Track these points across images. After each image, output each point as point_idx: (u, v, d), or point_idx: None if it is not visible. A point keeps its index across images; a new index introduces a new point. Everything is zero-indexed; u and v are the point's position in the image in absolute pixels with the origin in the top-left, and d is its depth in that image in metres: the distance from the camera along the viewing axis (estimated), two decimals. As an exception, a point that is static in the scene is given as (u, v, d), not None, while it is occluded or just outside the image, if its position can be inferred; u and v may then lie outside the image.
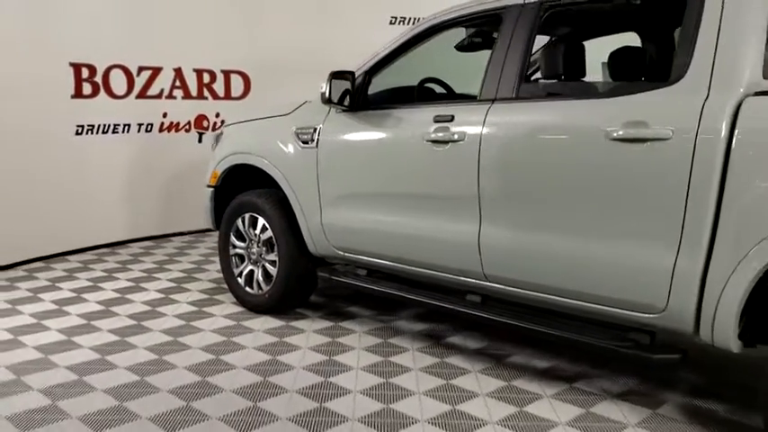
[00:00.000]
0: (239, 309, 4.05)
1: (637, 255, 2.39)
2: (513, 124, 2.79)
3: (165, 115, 6.02)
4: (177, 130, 6.10)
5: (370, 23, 6.46)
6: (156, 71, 5.90)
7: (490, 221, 2.86)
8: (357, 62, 6.23)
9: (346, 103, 3.45)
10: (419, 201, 3.16)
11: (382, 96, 3.64)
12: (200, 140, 6.22)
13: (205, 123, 6.24)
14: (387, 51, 3.53)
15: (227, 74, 6.27)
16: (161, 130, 6.02)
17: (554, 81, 2.97)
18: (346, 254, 3.57)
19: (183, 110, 6.09)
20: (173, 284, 4.65)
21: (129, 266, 5.13)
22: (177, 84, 6.04)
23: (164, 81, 5.96)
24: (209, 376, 3.04)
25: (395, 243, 3.29)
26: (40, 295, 4.34)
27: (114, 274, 4.88)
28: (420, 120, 3.17)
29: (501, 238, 2.82)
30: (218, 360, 3.25)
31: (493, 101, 2.89)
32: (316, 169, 3.58)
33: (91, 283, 4.64)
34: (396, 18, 6.57)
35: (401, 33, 3.54)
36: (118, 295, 4.36)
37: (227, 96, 6.31)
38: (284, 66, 6.32)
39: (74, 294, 4.37)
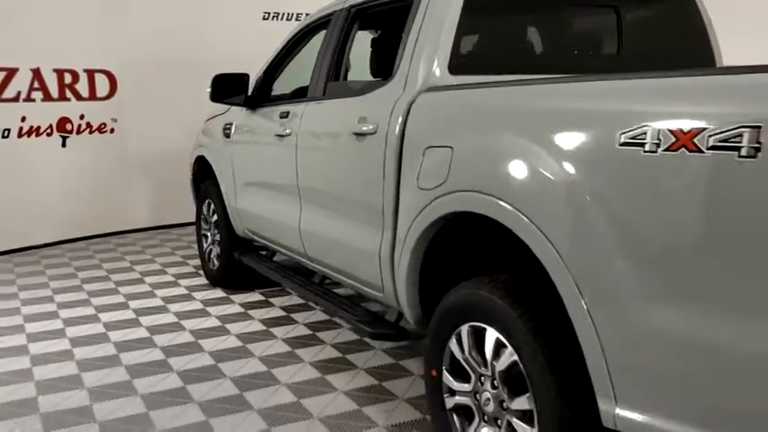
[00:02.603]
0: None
1: (362, 239, 2.76)
2: (312, 122, 3.26)
3: (23, 119, 5.86)
4: (38, 135, 5.96)
5: (242, 19, 6.58)
6: (12, 72, 5.74)
7: (305, 208, 3.33)
8: (228, 58, 6.33)
9: (237, 101, 3.93)
10: (273, 188, 3.69)
11: (292, 94, 4.02)
12: (63, 144, 6.11)
13: (69, 126, 6.13)
14: (276, 52, 4.02)
15: (90, 73, 6.18)
16: (20, 135, 5.87)
17: (341, 81, 3.34)
18: (253, 235, 4.10)
19: (44, 113, 5.96)
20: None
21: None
22: (36, 85, 5.90)
23: (20, 83, 5.80)
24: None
25: (267, 226, 3.84)
26: None
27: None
28: (275, 115, 3.62)
29: (308, 223, 3.30)
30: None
31: (310, 99, 3.35)
32: (231, 160, 4.18)
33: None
34: (269, 13, 6.73)
35: (287, 34, 3.89)
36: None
37: (92, 97, 6.22)
38: (153, 64, 6.32)
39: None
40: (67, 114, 6.10)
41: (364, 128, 2.69)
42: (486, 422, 2.08)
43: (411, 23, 2.68)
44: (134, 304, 4.39)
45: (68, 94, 6.10)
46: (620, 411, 1.61)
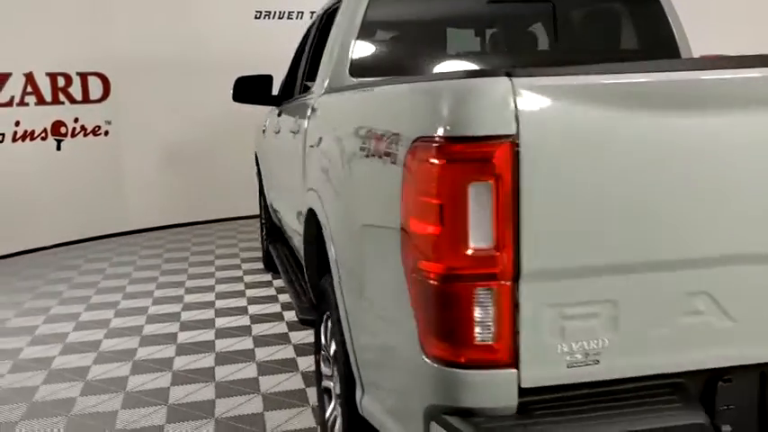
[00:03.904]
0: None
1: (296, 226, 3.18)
2: (282, 121, 3.62)
3: (17, 124, 6.00)
4: (33, 139, 6.09)
5: (235, 18, 6.74)
6: (5, 77, 5.87)
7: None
8: (221, 58, 6.47)
9: (256, 100, 4.10)
10: (276, 178, 4.10)
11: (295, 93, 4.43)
12: (58, 148, 6.24)
13: (63, 130, 6.27)
14: (297, 49, 4.30)
15: (83, 76, 6.32)
16: (14, 139, 6.00)
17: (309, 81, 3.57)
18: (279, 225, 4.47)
19: (38, 117, 6.09)
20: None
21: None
22: (29, 90, 6.03)
23: (13, 87, 5.93)
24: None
25: (279, 216, 4.16)
26: None
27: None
28: (277, 113, 3.95)
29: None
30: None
31: (294, 99, 3.60)
32: (264, 155, 4.76)
33: None
34: (261, 12, 6.88)
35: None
36: None
37: (86, 100, 6.36)
38: (146, 65, 6.46)
39: None
40: (61, 118, 6.24)
41: (295, 126, 3.02)
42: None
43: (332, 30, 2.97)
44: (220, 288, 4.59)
45: (62, 97, 6.24)
46: (362, 400, 1.89)
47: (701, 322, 1.41)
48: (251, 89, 4.01)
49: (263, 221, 5.20)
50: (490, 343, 1.36)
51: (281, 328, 3.99)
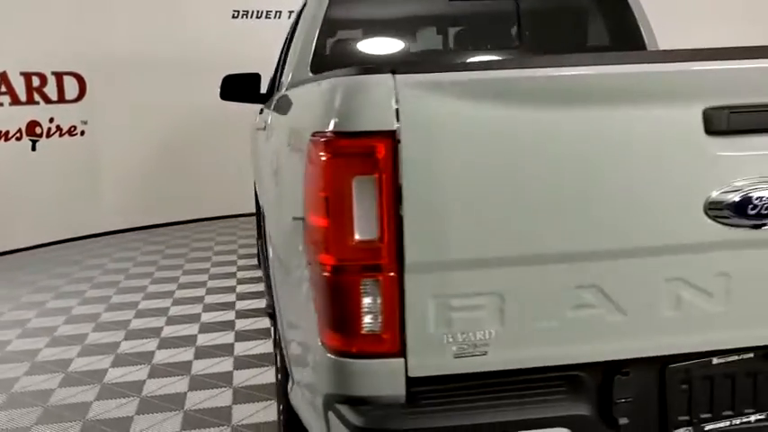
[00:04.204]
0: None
1: None
2: (261, 118, 3.66)
3: (-9, 124, 6.06)
4: (7, 139, 6.15)
5: (212, 17, 6.80)
6: (-23, 77, 5.95)
7: None
8: (198, 57, 6.53)
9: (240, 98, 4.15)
10: (256, 174, 4.07)
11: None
12: (33, 148, 6.30)
13: (38, 130, 6.32)
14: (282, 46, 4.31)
15: (59, 76, 6.38)
16: (-11, 140, 6.06)
17: None
18: None
19: (13, 117, 6.15)
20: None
21: None
22: (3, 89, 6.09)
23: (-13, 87, 6.00)
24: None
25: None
26: None
27: None
28: (260, 110, 4.02)
29: None
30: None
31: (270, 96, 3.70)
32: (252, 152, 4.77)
33: None
34: (238, 12, 6.94)
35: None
36: None
37: (61, 100, 6.42)
38: (122, 65, 6.52)
39: None
40: (36, 118, 6.30)
41: (262, 123, 3.09)
42: None
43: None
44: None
45: (37, 97, 6.29)
46: (291, 392, 1.94)
47: (592, 315, 1.45)
48: (238, 87, 4.06)
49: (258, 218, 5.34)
50: (377, 333, 1.41)
51: (264, 323, 4.07)
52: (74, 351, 3.84)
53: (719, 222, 1.42)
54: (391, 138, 1.34)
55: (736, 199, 1.40)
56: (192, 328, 4.08)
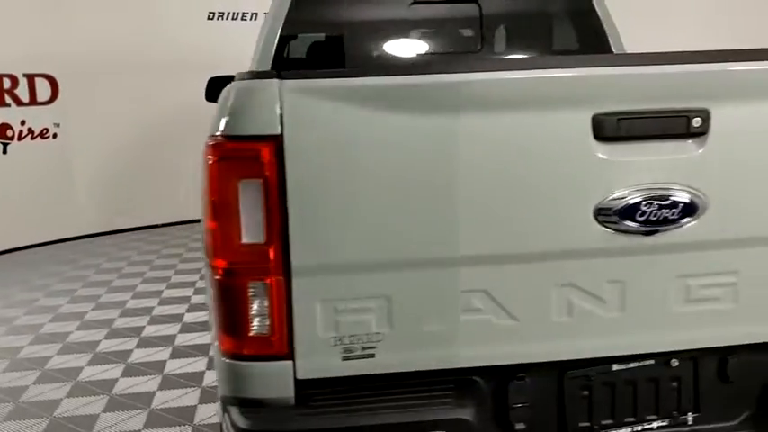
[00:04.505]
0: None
1: None
2: None
3: (-38, 126, 6.09)
4: (-22, 142, 6.19)
5: (187, 18, 6.83)
6: (-54, 78, 5.98)
7: None
8: (173, 59, 6.50)
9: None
10: None
11: None
12: (4, 151, 6.32)
13: (9, 133, 6.34)
14: None
15: (30, 78, 6.40)
16: (-42, 142, 6.09)
17: None
18: None
19: (-17, 119, 6.18)
20: None
21: None
22: (-27, 91, 6.12)
23: (-44, 89, 6.04)
24: None
25: None
26: None
27: None
28: None
29: None
30: None
31: None
32: None
33: None
34: (214, 13, 6.98)
35: None
36: None
37: (33, 102, 6.44)
38: (95, 66, 6.54)
39: None
40: (7, 120, 6.32)
41: None
42: None
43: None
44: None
45: (8, 99, 6.31)
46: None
47: (481, 319, 1.48)
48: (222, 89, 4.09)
49: None
50: (266, 335, 1.44)
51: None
52: (54, 349, 3.97)
53: (609, 229, 1.44)
54: (275, 142, 1.37)
55: (625, 205, 1.43)
56: (173, 328, 4.17)
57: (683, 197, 1.44)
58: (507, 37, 4.03)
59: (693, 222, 1.46)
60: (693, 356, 1.61)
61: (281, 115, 1.36)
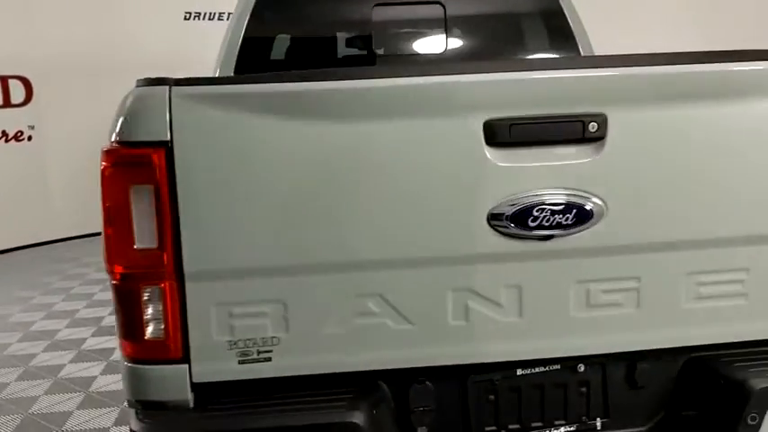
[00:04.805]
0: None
1: None
2: None
3: (-66, 128, 6.14)
4: (-49, 144, 6.23)
5: (163, 19, 6.88)
6: None
7: None
8: (150, 60, 6.58)
9: None
10: None
11: None
12: (-22, 153, 6.38)
13: (-18, 135, 6.41)
14: None
15: (4, 79, 6.45)
16: (-69, 144, 6.14)
17: None
18: None
19: (-44, 121, 6.23)
20: None
21: None
22: (-54, 93, 6.18)
23: (-70, 91, 6.09)
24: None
25: None
26: None
27: None
28: None
29: None
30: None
31: None
32: None
33: None
34: (190, 13, 7.02)
35: None
36: None
37: (6, 104, 6.49)
38: (70, 68, 6.59)
39: None
40: (-19, 122, 6.37)
41: None
42: None
43: None
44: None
45: (-19, 101, 6.37)
46: None
47: (377, 324, 1.50)
48: None
49: None
50: (161, 339, 1.47)
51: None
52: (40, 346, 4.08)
53: (503, 234, 1.47)
54: (165, 148, 1.40)
55: (517, 211, 1.45)
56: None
57: (578, 202, 1.46)
58: (473, 39, 4.07)
59: (592, 228, 1.48)
60: (601, 362, 1.64)
61: (171, 122, 1.39)
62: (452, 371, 1.58)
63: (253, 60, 3.46)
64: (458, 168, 1.46)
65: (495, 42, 3.93)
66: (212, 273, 1.45)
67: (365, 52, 3.98)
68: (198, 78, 1.45)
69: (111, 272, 1.50)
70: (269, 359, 1.49)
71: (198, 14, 7.05)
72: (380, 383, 1.59)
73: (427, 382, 1.59)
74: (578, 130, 1.46)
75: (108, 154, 1.44)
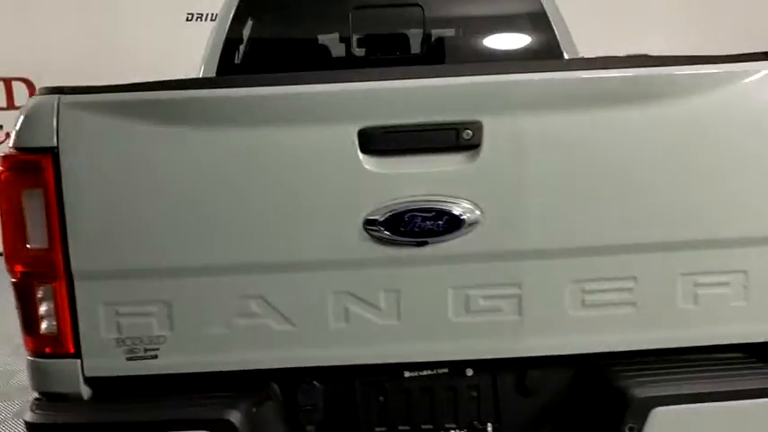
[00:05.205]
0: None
1: None
2: None
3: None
4: (-44, 145, 6.51)
5: (165, 21, 7.07)
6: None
7: None
8: (152, 62, 6.73)
9: None
10: None
11: None
12: (-19, 154, 6.62)
13: (-14, 137, 6.67)
14: None
15: (7, 82, 6.72)
16: (-62, 145, 6.43)
17: None
18: None
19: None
20: None
21: None
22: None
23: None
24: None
25: None
26: None
27: None
28: None
29: None
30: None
31: None
32: None
33: None
34: (192, 15, 7.20)
35: None
36: None
37: (11, 106, 6.75)
38: (73, 69, 6.80)
39: None
40: (-15, 125, 6.65)
41: None
42: None
43: None
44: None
45: (-14, 103, 6.64)
46: None
47: (259, 325, 1.60)
48: None
49: None
50: (54, 335, 1.60)
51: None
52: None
53: (377, 239, 1.55)
54: (52, 153, 1.51)
55: (389, 217, 1.53)
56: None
57: (450, 209, 1.53)
58: (454, 41, 4.14)
59: (468, 234, 1.55)
60: (491, 367, 1.70)
61: (57, 129, 1.51)
62: (340, 372, 1.66)
63: (234, 62, 3.59)
64: (335, 175, 1.54)
65: (475, 44, 4.00)
66: (99, 273, 1.57)
67: (344, 54, 4.08)
68: (85, 87, 1.56)
69: (10, 271, 1.63)
70: (155, 356, 1.59)
71: (200, 16, 7.22)
72: (271, 383, 1.68)
73: (315, 383, 1.67)
74: (452, 138, 1.52)
75: (4, 159, 1.57)
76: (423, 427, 1.73)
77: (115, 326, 1.58)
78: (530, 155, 1.55)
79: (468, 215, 1.54)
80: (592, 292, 1.62)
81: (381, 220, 1.53)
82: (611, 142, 1.56)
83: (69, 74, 6.91)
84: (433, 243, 1.55)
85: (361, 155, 1.53)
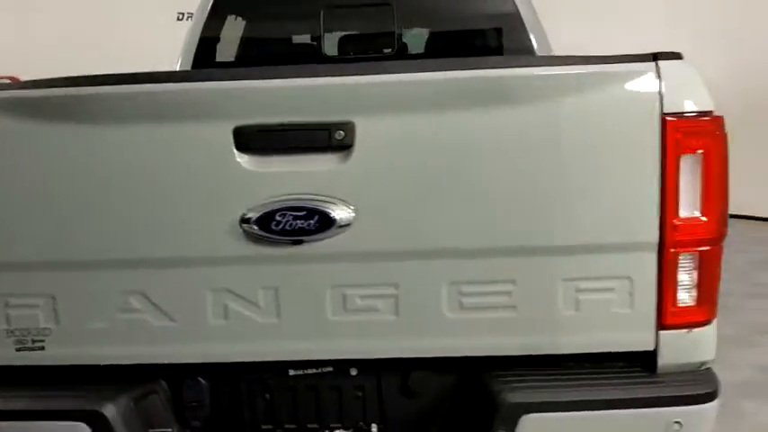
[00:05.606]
0: None
1: None
2: None
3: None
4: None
5: (156, 19, 7.21)
6: None
7: None
8: (142, 61, 6.92)
9: None
10: None
11: None
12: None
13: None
14: None
15: (-4, 79, 6.89)
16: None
17: None
18: None
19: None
20: None
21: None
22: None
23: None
24: None
25: None
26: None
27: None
28: None
29: None
30: None
31: None
32: None
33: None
34: (183, 14, 7.32)
35: None
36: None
37: None
38: (63, 68, 6.92)
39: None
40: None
41: None
42: None
43: None
44: None
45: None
46: None
47: (140, 320, 1.68)
48: None
49: None
50: None
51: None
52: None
53: (252, 237, 1.61)
54: None
55: (262, 215, 1.59)
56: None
57: (322, 209, 1.59)
58: (425, 38, 4.21)
59: (342, 233, 1.60)
60: (375, 367, 1.75)
61: None
62: (225, 369, 1.72)
63: (209, 59, 3.69)
64: (212, 173, 1.61)
65: (447, 42, 4.06)
66: None
67: (316, 52, 4.16)
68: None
69: None
70: (42, 348, 1.68)
71: (191, 15, 7.32)
72: (159, 379, 1.75)
73: (200, 379, 1.74)
74: (325, 138, 1.58)
75: None
76: (309, 426, 1.79)
77: (4, 317, 1.68)
78: (402, 156, 1.61)
79: (340, 215, 1.59)
80: (470, 294, 1.66)
81: (255, 218, 1.59)
82: (482, 144, 1.60)
83: (57, 73, 7.03)
84: (308, 242, 1.61)
85: (236, 153, 1.59)
